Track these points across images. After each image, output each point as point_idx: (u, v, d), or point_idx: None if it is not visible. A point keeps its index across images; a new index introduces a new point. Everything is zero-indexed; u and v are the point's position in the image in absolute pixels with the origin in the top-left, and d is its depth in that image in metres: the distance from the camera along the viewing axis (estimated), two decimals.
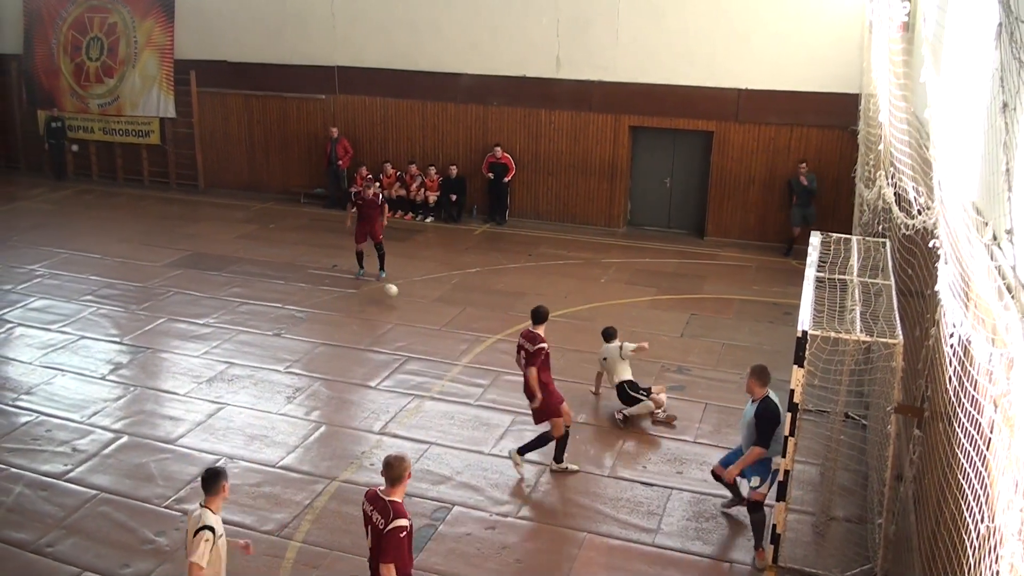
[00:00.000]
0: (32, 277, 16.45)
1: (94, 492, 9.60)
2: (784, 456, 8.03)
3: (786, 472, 8.06)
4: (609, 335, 11.42)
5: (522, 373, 9.79)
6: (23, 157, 25.47)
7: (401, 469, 6.50)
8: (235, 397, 11.64)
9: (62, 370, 12.61)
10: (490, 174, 19.61)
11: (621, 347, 11.17)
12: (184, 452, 10.34)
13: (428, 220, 20.00)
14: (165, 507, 9.28)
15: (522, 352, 9.77)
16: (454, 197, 19.81)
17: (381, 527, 6.37)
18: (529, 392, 9.74)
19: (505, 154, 19.54)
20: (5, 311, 14.84)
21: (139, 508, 9.32)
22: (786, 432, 7.93)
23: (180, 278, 16.13)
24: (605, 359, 11.38)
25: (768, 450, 8.32)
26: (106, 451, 10.43)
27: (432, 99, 20.29)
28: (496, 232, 19.35)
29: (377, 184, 17.18)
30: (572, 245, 18.30)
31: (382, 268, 16.16)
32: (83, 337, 13.72)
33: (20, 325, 14.27)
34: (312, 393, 11.83)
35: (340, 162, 20.79)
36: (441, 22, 19.76)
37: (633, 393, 11.04)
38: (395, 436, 10.66)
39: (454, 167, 19.82)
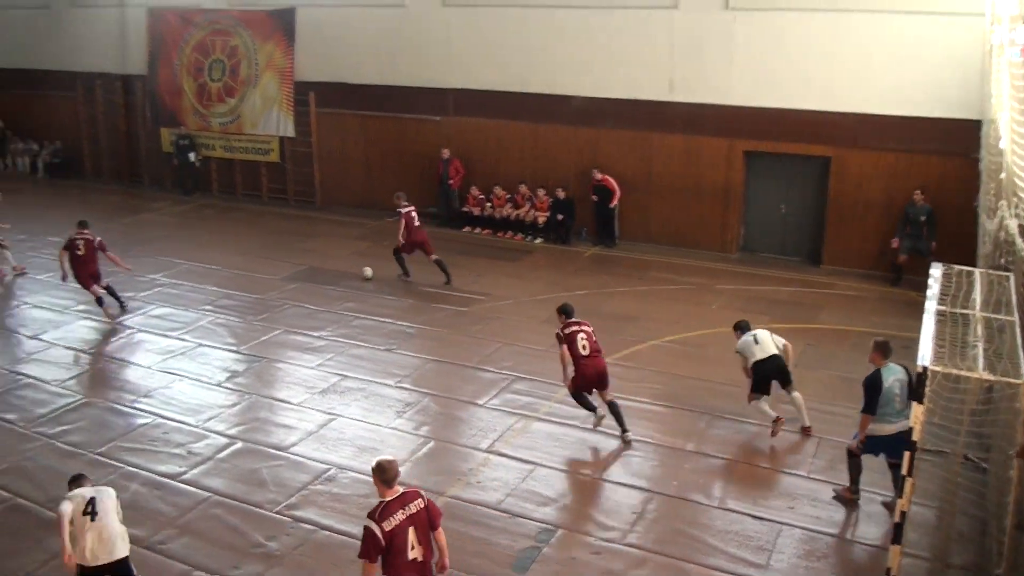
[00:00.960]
0: (154, 286, 17.12)
1: (207, 494, 9.90)
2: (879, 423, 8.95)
3: (902, 513, 7.77)
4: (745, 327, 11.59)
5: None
6: (146, 172, 26.64)
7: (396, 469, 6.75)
8: (347, 409, 11.87)
9: (180, 376, 13.07)
10: (595, 196, 19.59)
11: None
12: (296, 460, 10.57)
13: (537, 241, 20.07)
14: (276, 512, 9.50)
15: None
16: (560, 217, 19.84)
17: (423, 505, 6.70)
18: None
19: (605, 176, 19.45)
20: (127, 317, 15.51)
21: (250, 512, 9.57)
22: (904, 471, 7.66)
23: (296, 291, 16.54)
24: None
25: (875, 415, 9.08)
26: (220, 455, 10.75)
27: (543, 121, 20.39)
28: (606, 255, 19.28)
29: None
30: (683, 269, 18.11)
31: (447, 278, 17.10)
32: (201, 345, 14.20)
33: (141, 331, 14.88)
34: (421, 408, 11.97)
35: (451, 182, 21.08)
36: (554, 44, 19.87)
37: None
38: (502, 455, 10.69)
39: (563, 189, 19.84)
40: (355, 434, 11.25)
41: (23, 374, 13.31)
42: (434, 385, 12.55)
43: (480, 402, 12.12)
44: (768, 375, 11.08)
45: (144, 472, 10.41)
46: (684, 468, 10.39)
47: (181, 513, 9.53)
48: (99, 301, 15.29)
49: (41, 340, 14.61)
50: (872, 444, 9.31)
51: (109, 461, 10.67)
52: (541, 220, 20.06)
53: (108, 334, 14.88)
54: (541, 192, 20.18)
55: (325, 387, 12.56)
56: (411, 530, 6.57)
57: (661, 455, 10.76)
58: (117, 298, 15.71)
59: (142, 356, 13.89)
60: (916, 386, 7.54)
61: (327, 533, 9.19)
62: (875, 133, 17.44)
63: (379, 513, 6.54)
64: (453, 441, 11.16)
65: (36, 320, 15.59)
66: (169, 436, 11.26)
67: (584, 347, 10.86)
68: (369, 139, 22.73)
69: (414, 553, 6.59)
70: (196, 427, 11.46)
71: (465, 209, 21.04)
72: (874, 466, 9.60)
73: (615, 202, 19.51)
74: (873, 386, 9.10)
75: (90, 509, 7.51)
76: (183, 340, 14.43)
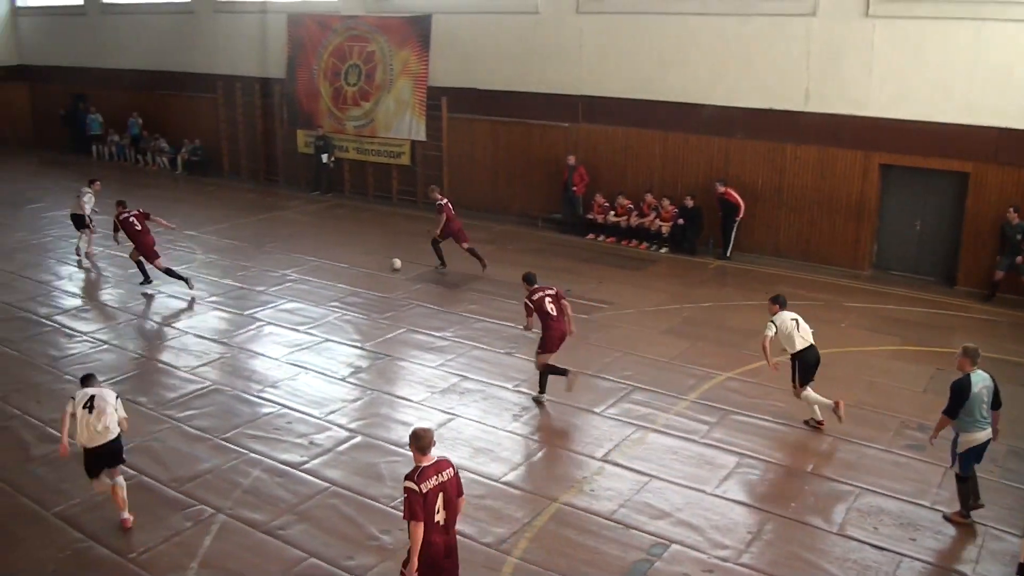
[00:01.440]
0: (284, 281, 17.67)
1: (326, 485, 10.13)
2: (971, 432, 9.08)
3: None
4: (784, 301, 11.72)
5: None
6: (282, 172, 27.55)
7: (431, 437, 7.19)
8: (465, 410, 11.98)
9: (306, 368, 13.44)
10: (719, 210, 19.29)
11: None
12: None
13: (662, 251, 19.85)
14: (392, 507, 9.63)
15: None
16: (681, 221, 19.56)
17: (453, 474, 7.19)
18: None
19: (728, 189, 19.10)
20: (258, 310, 16.04)
21: (367, 505, 9.75)
22: None
23: (421, 292, 16.80)
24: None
25: (956, 421, 9.17)
26: (340, 448, 10.99)
27: (673, 129, 20.16)
28: (731, 267, 18.92)
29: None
30: (812, 285, 17.61)
31: (482, 264, 18.05)
32: (327, 340, 14.57)
33: (270, 324, 15.36)
34: (539, 413, 11.98)
35: (575, 188, 21.06)
36: (687, 52, 19.63)
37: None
38: (617, 464, 10.59)
39: (690, 199, 19.58)
40: (472, 435, 11.34)
41: (155, 359, 13.96)
42: (552, 391, 12.51)
43: (597, 410, 12.05)
44: (812, 365, 11.33)
45: (267, 459, 10.74)
46: (804, 490, 10.10)
47: (300, 501, 9.77)
48: (148, 277, 17.21)
49: (174, 328, 15.27)
50: (970, 456, 9.27)
51: (234, 447, 11.05)
52: (665, 230, 19.84)
53: (239, 325, 15.42)
54: (666, 202, 19.95)
55: (445, 387, 12.72)
56: (440, 495, 7.03)
57: (780, 475, 10.49)
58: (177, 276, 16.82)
59: (270, 348, 14.34)
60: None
61: None
62: (1016, 148, 16.60)
63: (417, 476, 6.99)
64: (568, 448, 11.12)
65: (170, 308, 16.29)
66: (292, 426, 11.59)
67: (552, 309, 11.98)
68: (497, 144, 22.94)
69: (439, 516, 7.05)
70: (319, 419, 11.75)
71: (589, 216, 20.99)
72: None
73: (739, 216, 19.16)
74: (961, 391, 9.12)
75: (89, 404, 9.17)
76: (310, 335, 14.83)
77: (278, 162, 27.80)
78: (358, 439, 11.20)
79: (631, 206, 20.47)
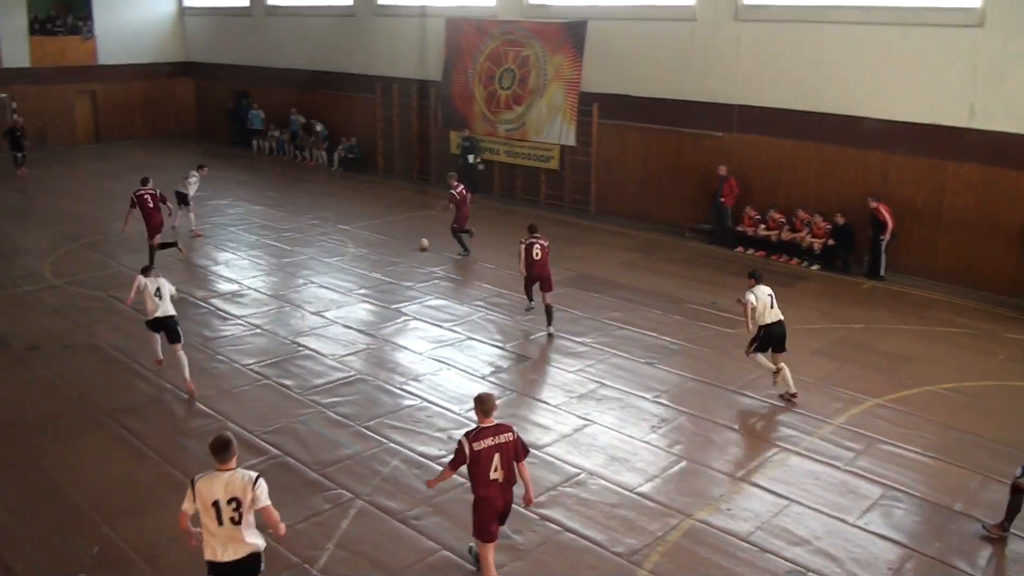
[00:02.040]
0: (431, 278, 17.97)
1: (462, 480, 10.03)
2: None
3: None
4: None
5: None
6: (434, 171, 28.05)
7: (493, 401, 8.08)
8: (602, 417, 11.89)
9: (448, 364, 13.63)
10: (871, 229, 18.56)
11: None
12: (548, 460, 10.71)
13: (814, 268, 19.25)
14: (524, 508, 9.62)
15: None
16: (831, 241, 18.92)
17: (512, 439, 7.90)
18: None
19: (880, 205, 18.30)
20: (405, 305, 16.37)
21: None
22: None
23: (563, 296, 16.78)
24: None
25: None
26: None
27: (830, 142, 19.50)
28: (885, 288, 18.14)
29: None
30: (969, 312, 16.74)
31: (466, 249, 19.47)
32: (470, 338, 14.74)
33: (416, 319, 15.65)
34: (677, 426, 11.77)
35: (723, 200, 20.65)
36: (848, 62, 18.97)
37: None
38: (756, 485, 10.30)
39: (841, 216, 18.90)
40: (608, 443, 11.25)
41: (304, 346, 14.39)
42: (692, 404, 12.32)
43: (738, 428, 11.77)
44: (775, 337, 12.45)
45: (405, 450, 10.94)
46: (949, 529, 9.57)
47: (436, 493, 9.86)
48: (158, 247, 18.25)
49: (323, 317, 15.71)
50: None
51: (374, 435, 11.30)
52: (817, 246, 19.24)
53: (385, 318, 15.76)
54: (819, 217, 19.34)
55: (583, 392, 12.67)
56: (496, 455, 7.81)
57: (925, 511, 9.96)
58: (172, 245, 18.24)
59: (415, 342, 14.61)
60: None
61: (571, 536, 9.23)
62: None
63: (473, 435, 7.83)
64: (706, 464, 10.87)
65: (320, 298, 16.77)
66: (432, 420, 11.77)
67: (537, 254, 15.03)
68: (648, 152, 22.73)
69: (496, 475, 7.86)
70: (458, 415, 11.88)
71: (739, 228, 20.56)
72: None
73: (886, 235, 18.37)
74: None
75: (157, 292, 12.37)
76: (454, 332, 15.04)
77: (430, 162, 28.34)
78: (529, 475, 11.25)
79: (783, 220, 19.94)
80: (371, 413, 11.95)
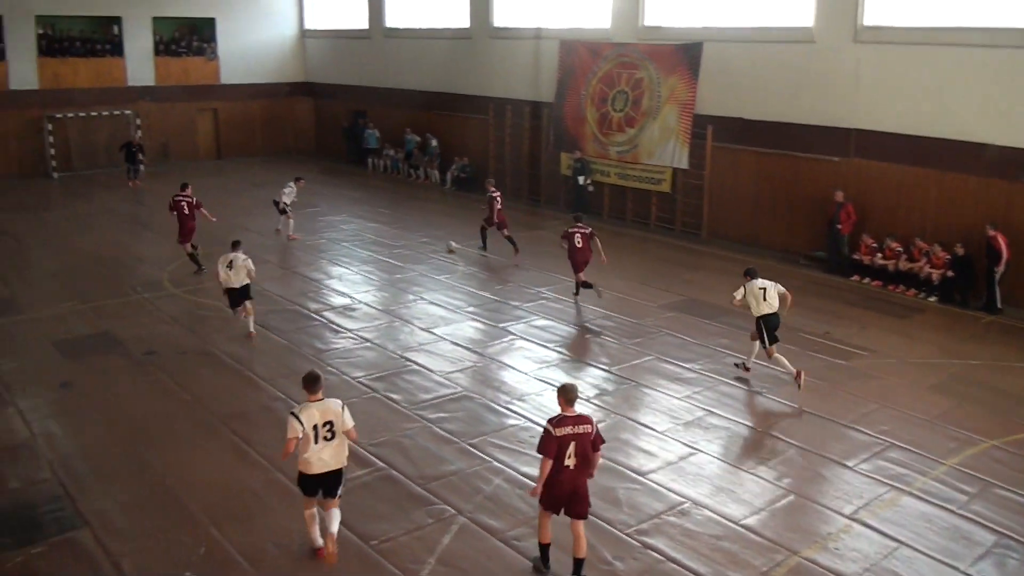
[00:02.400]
0: (539, 298, 18.03)
1: None
2: None
3: None
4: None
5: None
6: (544, 192, 28.20)
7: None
8: (709, 446, 11.70)
9: (553, 385, 13.44)
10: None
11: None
12: (652, 487, 10.59)
13: (931, 299, 18.58)
14: (626, 534, 9.58)
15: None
16: (950, 273, 18.20)
17: (590, 431, 8.49)
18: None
19: (997, 234, 17.50)
20: (511, 324, 16.45)
21: (602, 529, 9.70)
22: None
23: (673, 321, 16.62)
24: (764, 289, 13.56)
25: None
26: None
27: (951, 169, 18.80)
28: (1006, 323, 17.31)
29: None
30: None
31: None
32: (576, 359, 14.70)
33: (522, 339, 15.71)
34: (786, 459, 11.47)
35: (840, 227, 20.13)
36: (970, 87, 18.31)
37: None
38: (865, 525, 9.93)
39: (960, 247, 18.17)
40: (714, 472, 11.06)
41: (412, 361, 14.59)
42: (802, 437, 12.01)
43: (849, 464, 11.38)
44: (773, 328, 13.30)
45: (509, 470, 10.97)
46: None
47: (537, 515, 9.84)
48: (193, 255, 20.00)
49: (432, 333, 15.90)
50: None
51: (478, 453, 11.37)
52: (936, 277, 18.56)
53: (492, 336, 15.87)
54: (938, 247, 18.66)
55: (690, 419, 12.49)
56: (573, 444, 8.36)
57: None
58: (196, 262, 19.76)
59: (520, 362, 14.65)
60: None
61: (673, 566, 9.09)
62: None
63: (556, 422, 8.42)
64: (815, 499, 10.56)
65: (430, 315, 16.99)
66: (535, 440, 11.60)
67: (578, 241, 17.29)
68: (761, 176, 22.37)
69: (569, 462, 8.38)
70: None
71: (855, 257, 20.01)
72: None
73: (1000, 266, 17.59)
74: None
75: (228, 264, 15.21)
76: (559, 352, 15.04)
77: (541, 183, 28.49)
78: (599, 461, 11.15)
79: (900, 249, 19.32)
80: (476, 430, 12.02)
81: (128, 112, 35.27)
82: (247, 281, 15.38)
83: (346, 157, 37.06)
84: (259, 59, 38.56)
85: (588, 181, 26.04)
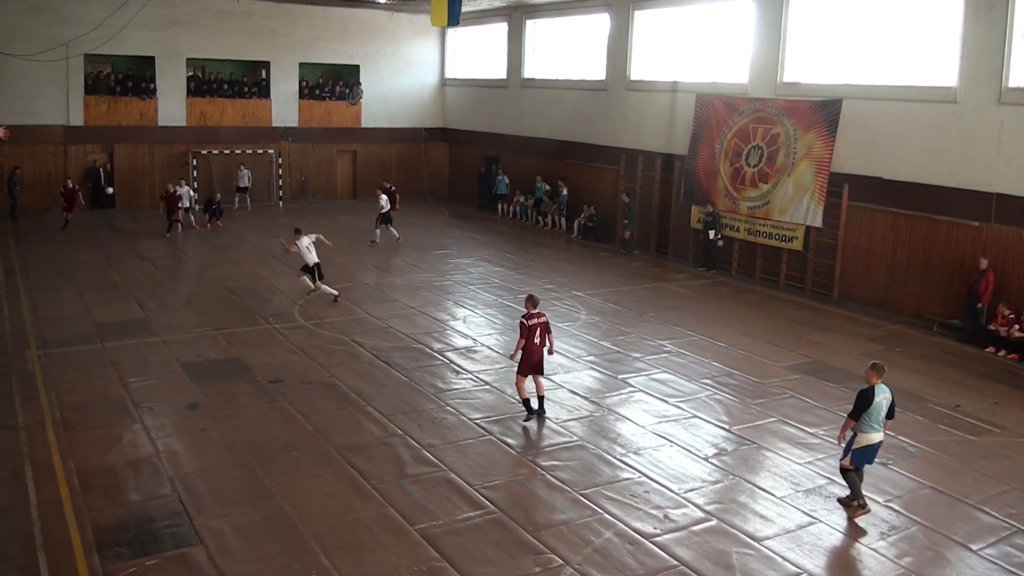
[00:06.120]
0: (660, 351, 17.80)
1: (674, 563, 9.94)
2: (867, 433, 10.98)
3: None
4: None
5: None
6: (672, 244, 28.02)
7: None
8: (829, 516, 11.21)
9: (670, 441, 13.38)
10: None
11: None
12: (767, 554, 10.22)
13: None
14: None
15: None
16: None
17: (545, 319, 13.99)
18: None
19: None
20: (631, 376, 16.28)
21: None
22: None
23: (798, 383, 16.16)
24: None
25: (857, 422, 11.06)
26: (695, 528, 10.76)
27: None
28: None
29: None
30: None
31: None
32: (695, 416, 14.43)
33: (641, 391, 15.52)
34: (907, 536, 10.89)
35: (981, 298, 19.17)
36: None
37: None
38: None
39: None
40: (832, 545, 10.60)
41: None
42: (925, 514, 11.39)
43: (973, 547, 10.69)
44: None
45: (620, 524, 10.78)
46: None
47: (647, 573, 9.69)
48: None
49: (550, 380, 15.83)
50: (862, 455, 11.14)
51: (590, 504, 11.23)
52: None
53: (611, 387, 15.75)
54: None
55: (810, 487, 12.04)
56: (538, 329, 13.69)
57: None
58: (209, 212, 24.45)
59: (638, 415, 14.47)
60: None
61: None
62: None
63: (527, 317, 13.74)
64: None
65: (549, 361, 16.55)
66: (649, 496, 11.55)
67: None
68: (898, 238, 21.66)
69: (537, 340, 13.74)
70: (676, 494, 11.62)
71: (991, 327, 19.08)
72: None
73: None
74: (864, 399, 10.96)
75: (309, 243, 20.71)
76: (679, 408, 14.79)
77: (669, 235, 28.33)
78: (713, 523, 10.91)
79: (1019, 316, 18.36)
80: (589, 481, 11.90)
81: (271, 151, 36.87)
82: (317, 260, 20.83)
83: (477, 202, 37.77)
84: (399, 105, 40.00)
85: (718, 236, 25.76)
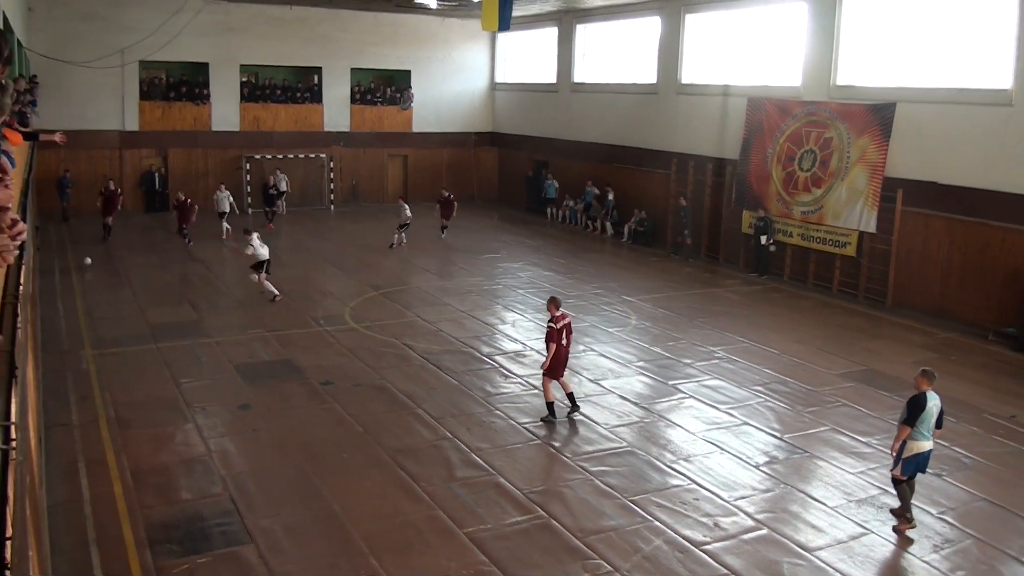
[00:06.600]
0: (711, 357, 17.69)
1: (725, 571, 9.88)
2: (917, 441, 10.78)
3: None
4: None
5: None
6: (723, 249, 27.82)
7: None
8: (881, 527, 11.07)
9: (721, 448, 13.29)
10: None
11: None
12: (818, 565, 10.11)
13: None
14: None
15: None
16: None
17: (569, 321, 14.20)
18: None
19: None
20: (682, 382, 16.20)
21: None
22: None
23: (850, 391, 15.96)
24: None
25: (912, 429, 10.87)
26: (745, 536, 10.69)
27: None
28: None
29: None
30: None
31: None
32: (746, 423, 14.32)
33: (692, 398, 15.44)
34: (960, 549, 10.70)
35: None
36: None
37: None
38: None
39: None
40: (884, 556, 10.47)
41: (578, 412, 14.51)
42: (979, 527, 11.18)
43: None
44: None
45: (670, 531, 10.74)
46: None
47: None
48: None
49: (600, 385, 15.87)
50: (912, 464, 10.97)
51: (639, 511, 11.20)
52: None
53: (661, 393, 15.69)
54: None
55: (863, 497, 11.89)
56: (564, 330, 13.83)
57: None
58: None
59: (688, 421, 14.40)
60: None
61: None
62: None
63: (554, 320, 13.80)
64: None
65: (599, 367, 16.96)
66: (699, 503, 11.49)
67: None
68: (954, 244, 21.29)
69: (565, 340, 13.91)
70: (727, 502, 11.55)
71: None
72: None
73: None
74: (916, 405, 10.83)
75: (259, 240, 21.47)
76: (730, 415, 14.69)
77: (720, 240, 28.14)
78: (763, 531, 10.83)
79: None
80: (638, 487, 11.87)
81: (323, 155, 37.27)
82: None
83: (526, 206, 37.84)
84: (450, 109, 40.26)
85: (770, 241, 25.55)
